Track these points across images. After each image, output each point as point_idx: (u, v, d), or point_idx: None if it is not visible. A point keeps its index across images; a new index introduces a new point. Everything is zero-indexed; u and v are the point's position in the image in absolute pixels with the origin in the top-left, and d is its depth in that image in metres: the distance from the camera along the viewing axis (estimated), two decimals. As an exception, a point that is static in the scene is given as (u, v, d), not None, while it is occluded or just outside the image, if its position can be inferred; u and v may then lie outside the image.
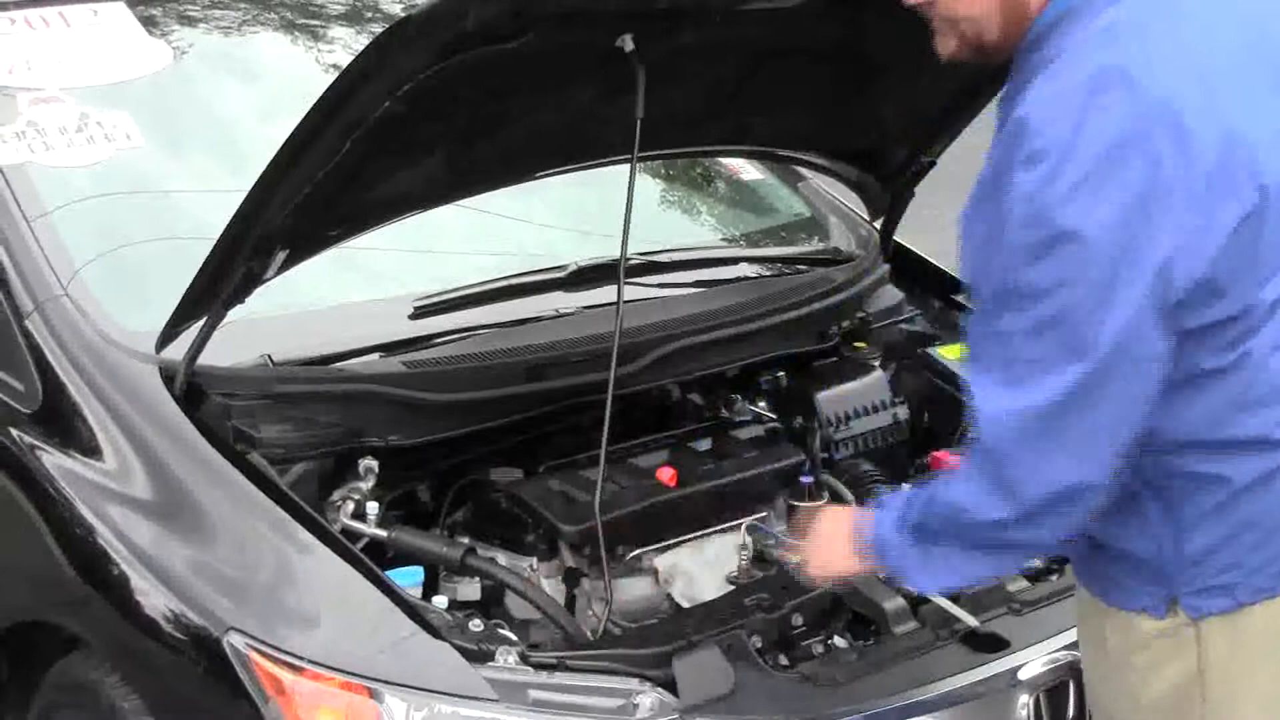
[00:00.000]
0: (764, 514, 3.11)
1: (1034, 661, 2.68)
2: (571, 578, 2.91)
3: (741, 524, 3.04)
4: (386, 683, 2.42)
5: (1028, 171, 2.04)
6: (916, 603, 2.76)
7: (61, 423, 2.88)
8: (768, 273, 3.75)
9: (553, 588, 2.88)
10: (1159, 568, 2.24)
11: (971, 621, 2.70)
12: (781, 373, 3.47)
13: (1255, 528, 2.19)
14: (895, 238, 3.83)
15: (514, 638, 2.57)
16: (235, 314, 2.74)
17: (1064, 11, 2.16)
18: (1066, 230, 2.02)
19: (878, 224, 3.84)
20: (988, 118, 3.43)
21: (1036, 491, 2.15)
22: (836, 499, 3.17)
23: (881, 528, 2.35)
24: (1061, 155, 2.02)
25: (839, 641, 2.73)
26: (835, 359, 3.57)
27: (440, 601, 2.66)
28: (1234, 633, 2.22)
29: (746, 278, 3.67)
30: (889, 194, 3.68)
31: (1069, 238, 2.02)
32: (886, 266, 3.74)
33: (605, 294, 3.19)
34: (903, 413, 3.46)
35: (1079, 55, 2.10)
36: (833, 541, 2.50)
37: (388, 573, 2.62)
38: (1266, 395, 2.15)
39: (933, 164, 3.57)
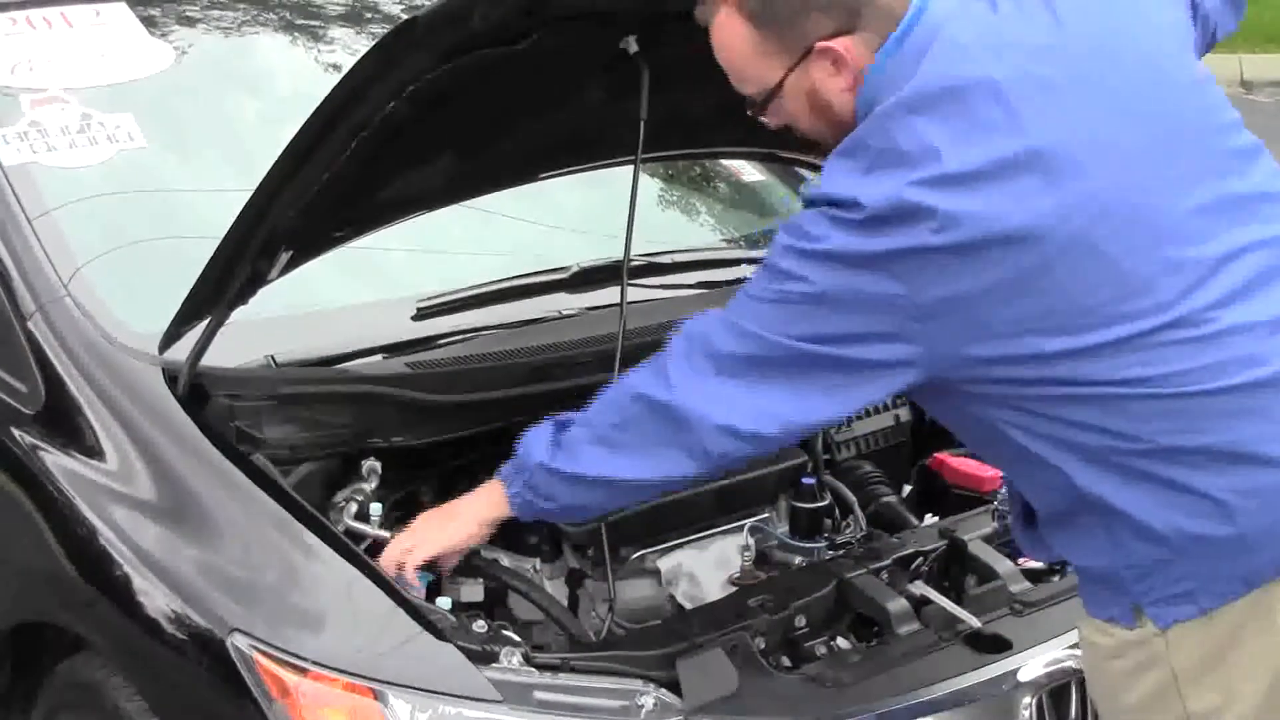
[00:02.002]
0: (767, 515, 3.11)
1: (1037, 662, 2.68)
2: (574, 579, 2.91)
3: (744, 525, 3.04)
4: (391, 684, 2.41)
5: None
6: (919, 604, 2.76)
7: (64, 423, 2.88)
8: (769, 274, 3.74)
9: (556, 589, 2.88)
10: (1114, 578, 2.26)
11: (974, 622, 2.70)
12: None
13: (1204, 539, 2.17)
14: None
15: (518, 639, 2.57)
16: (239, 315, 2.74)
17: (865, 104, 2.22)
18: None
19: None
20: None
21: None
22: (839, 500, 3.17)
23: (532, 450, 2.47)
24: None
25: (842, 642, 2.72)
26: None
27: (444, 603, 2.66)
28: (1204, 639, 2.21)
29: (748, 279, 3.66)
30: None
31: None
32: (888, 268, 3.73)
33: (608, 295, 3.19)
34: (904, 414, 3.47)
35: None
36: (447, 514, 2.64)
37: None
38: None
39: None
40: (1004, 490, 3.00)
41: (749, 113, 2.41)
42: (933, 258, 2.08)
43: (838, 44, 2.23)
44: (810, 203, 2.19)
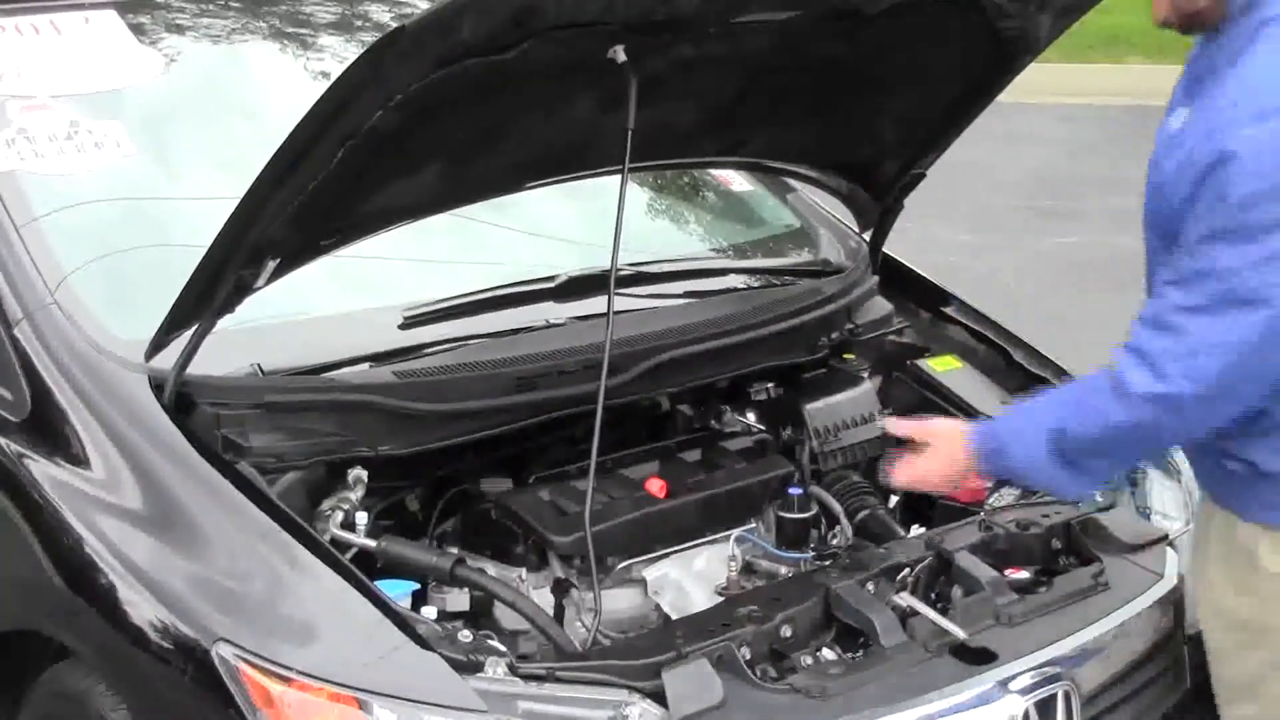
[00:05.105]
0: (753, 525, 3.11)
1: (1023, 674, 2.69)
2: (560, 588, 2.91)
3: (730, 535, 3.05)
4: (375, 693, 2.42)
5: (1258, 126, 2.30)
6: (906, 615, 2.76)
7: (50, 431, 2.88)
8: (757, 284, 3.75)
9: (542, 598, 2.88)
10: None
11: (960, 634, 2.71)
12: (771, 384, 3.48)
13: None
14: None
15: (503, 648, 2.57)
16: (225, 323, 2.74)
17: None
18: None
19: (867, 236, 3.85)
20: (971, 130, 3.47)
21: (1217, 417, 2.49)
22: (825, 511, 3.17)
23: (1032, 456, 2.64)
24: None
25: (828, 653, 2.72)
26: (824, 370, 3.58)
27: (429, 612, 2.66)
28: None
29: (736, 289, 3.68)
30: (879, 206, 3.69)
31: None
32: (876, 278, 3.74)
33: (595, 304, 3.18)
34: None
35: None
36: (954, 460, 2.80)
37: (380, 584, 2.62)
38: None
39: (923, 176, 3.58)
40: None
41: None
42: None
43: None
44: None
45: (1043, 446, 2.62)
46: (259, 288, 2.70)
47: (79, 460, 2.81)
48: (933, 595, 2.90)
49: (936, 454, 2.84)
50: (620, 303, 3.00)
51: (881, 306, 3.75)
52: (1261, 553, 2.62)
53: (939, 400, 3.53)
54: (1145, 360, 2.47)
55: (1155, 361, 2.45)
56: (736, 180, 4.19)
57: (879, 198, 3.67)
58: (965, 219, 9.19)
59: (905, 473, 2.89)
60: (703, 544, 3.05)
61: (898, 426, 2.98)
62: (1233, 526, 2.68)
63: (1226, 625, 2.74)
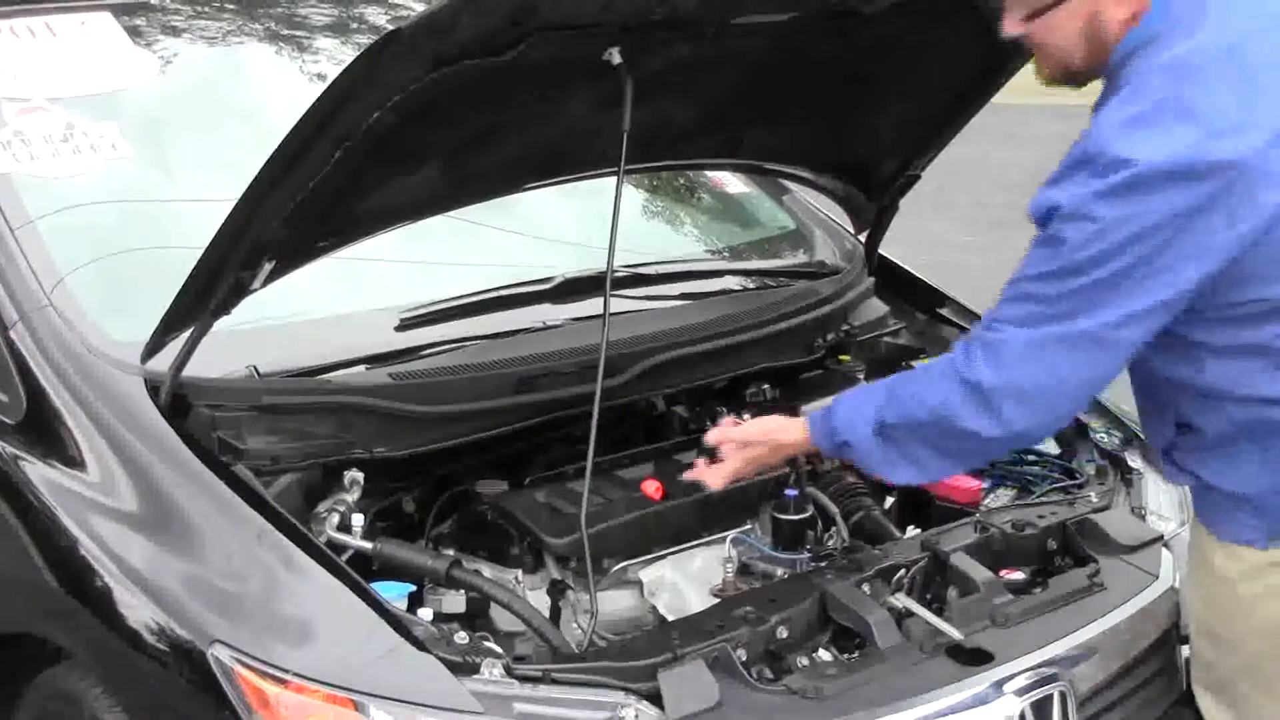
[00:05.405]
0: (749, 526, 3.11)
1: (1019, 674, 2.68)
2: (557, 590, 2.91)
3: (727, 536, 3.04)
4: (371, 695, 2.42)
5: (1087, 182, 2.41)
6: (901, 616, 2.76)
7: (45, 433, 2.88)
8: (753, 285, 3.75)
9: (538, 600, 2.88)
10: (1259, 505, 2.58)
11: (956, 635, 2.70)
12: (767, 385, 3.48)
13: None
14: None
15: (499, 650, 2.57)
16: (221, 324, 2.73)
17: (1141, 41, 2.46)
18: (1109, 222, 2.38)
19: (862, 237, 3.85)
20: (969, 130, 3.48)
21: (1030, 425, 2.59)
22: (821, 512, 3.17)
23: (858, 425, 2.72)
24: (1114, 171, 2.38)
25: (824, 654, 2.72)
26: (820, 371, 3.58)
27: (425, 614, 2.66)
28: None
29: (732, 290, 3.68)
30: (875, 207, 3.69)
31: (1109, 229, 2.39)
32: (871, 279, 3.75)
33: (591, 306, 3.19)
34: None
35: (1145, 86, 2.42)
36: (780, 449, 2.93)
37: (376, 585, 2.62)
38: None
39: (918, 177, 3.58)
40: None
41: (1022, 17, 2.57)
42: None
43: None
44: None
45: (870, 418, 2.69)
46: (256, 289, 2.70)
47: (74, 462, 2.81)
48: (928, 596, 2.89)
49: (756, 449, 2.91)
50: (616, 304, 3.00)
51: (877, 308, 3.75)
52: (1217, 562, 2.68)
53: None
54: (968, 348, 2.58)
55: (972, 351, 2.56)
56: (732, 182, 4.19)
57: (875, 198, 3.68)
58: (963, 218, 9.19)
59: (717, 475, 2.93)
60: (699, 545, 3.05)
61: (716, 436, 2.97)
62: (1200, 534, 2.74)
63: (1199, 629, 2.80)
